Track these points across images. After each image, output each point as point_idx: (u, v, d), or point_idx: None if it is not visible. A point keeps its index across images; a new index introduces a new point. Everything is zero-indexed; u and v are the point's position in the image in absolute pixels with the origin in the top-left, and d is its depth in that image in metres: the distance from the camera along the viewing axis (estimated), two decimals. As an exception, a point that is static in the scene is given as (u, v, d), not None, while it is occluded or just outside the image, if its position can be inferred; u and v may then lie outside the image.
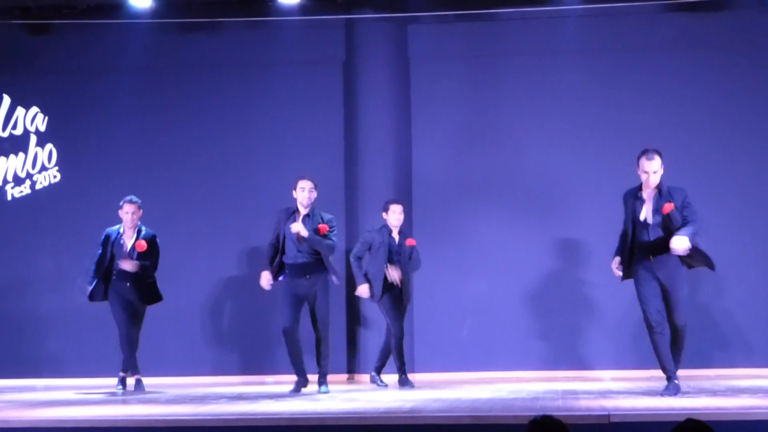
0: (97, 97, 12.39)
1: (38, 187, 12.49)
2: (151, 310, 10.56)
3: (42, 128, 12.54)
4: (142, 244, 10.23)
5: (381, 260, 10.41)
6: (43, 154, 12.51)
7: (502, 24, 12.03)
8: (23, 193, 12.49)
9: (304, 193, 9.72)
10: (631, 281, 8.59)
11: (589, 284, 11.67)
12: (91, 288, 10.31)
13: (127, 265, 10.18)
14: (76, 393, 10.30)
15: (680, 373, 8.69)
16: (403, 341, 10.50)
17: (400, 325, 10.43)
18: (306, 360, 9.80)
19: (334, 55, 12.23)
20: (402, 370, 10.41)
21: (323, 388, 9.66)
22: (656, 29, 11.87)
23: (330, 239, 9.74)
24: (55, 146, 12.50)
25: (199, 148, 12.22)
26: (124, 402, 9.06)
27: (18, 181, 12.51)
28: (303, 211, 9.74)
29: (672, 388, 8.41)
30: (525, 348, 11.67)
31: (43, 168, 12.51)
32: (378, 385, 10.53)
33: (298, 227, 9.58)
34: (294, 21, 12.03)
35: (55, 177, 12.50)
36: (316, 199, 9.85)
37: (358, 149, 12.02)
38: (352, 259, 10.60)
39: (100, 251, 10.34)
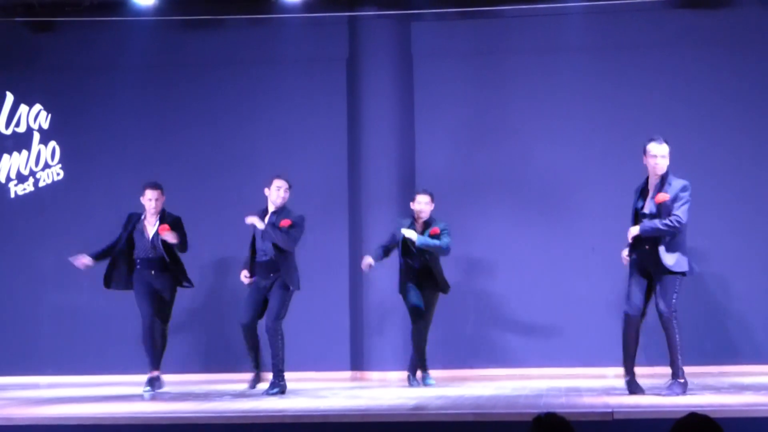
0: (100, 95, 12.39)
1: (41, 184, 12.49)
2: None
3: (45, 126, 12.54)
4: (165, 227, 9.75)
5: (398, 252, 10.23)
6: (46, 152, 12.51)
7: (506, 21, 12.02)
8: (26, 191, 12.50)
9: (279, 192, 9.58)
10: (627, 277, 8.60)
11: (592, 281, 11.66)
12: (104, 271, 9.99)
13: (169, 236, 9.70)
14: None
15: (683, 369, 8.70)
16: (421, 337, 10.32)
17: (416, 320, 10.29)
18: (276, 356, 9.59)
19: (338, 53, 12.22)
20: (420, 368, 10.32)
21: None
22: (660, 26, 11.86)
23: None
24: (58, 143, 12.50)
25: (201, 145, 12.22)
26: (127, 399, 9.06)
27: (21, 178, 12.51)
28: (271, 209, 9.59)
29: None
30: (529, 345, 11.66)
31: (47, 165, 12.51)
32: (426, 385, 10.24)
33: (251, 219, 9.51)
34: (297, 18, 12.03)
35: (58, 174, 12.50)
36: (290, 198, 9.75)
37: (362, 147, 12.02)
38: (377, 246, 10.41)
39: (118, 237, 9.97)
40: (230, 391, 9.66)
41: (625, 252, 8.60)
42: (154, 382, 9.84)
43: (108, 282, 10.05)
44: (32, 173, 12.51)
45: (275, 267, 9.47)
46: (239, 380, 10.79)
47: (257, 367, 9.81)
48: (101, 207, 12.17)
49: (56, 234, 12.30)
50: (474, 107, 12.07)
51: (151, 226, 9.92)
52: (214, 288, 12.11)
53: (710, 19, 11.76)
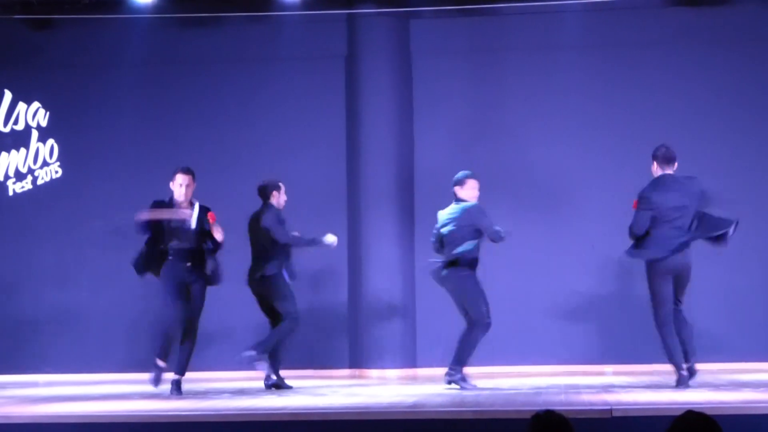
0: (98, 93, 12.38)
1: (40, 182, 12.48)
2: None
3: (43, 123, 12.54)
4: (214, 216, 9.16)
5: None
6: (44, 150, 12.51)
7: (505, 19, 12.01)
8: (24, 189, 12.49)
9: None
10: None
11: (591, 279, 11.66)
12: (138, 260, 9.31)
13: (219, 234, 9.13)
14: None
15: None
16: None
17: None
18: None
19: (336, 50, 12.22)
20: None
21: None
22: (658, 24, 11.87)
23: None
24: (56, 141, 12.50)
25: (200, 143, 12.20)
26: (125, 398, 9.05)
27: (19, 176, 12.51)
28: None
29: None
30: (527, 342, 11.65)
31: (45, 163, 12.50)
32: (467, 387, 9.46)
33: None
34: (296, 16, 12.02)
35: (56, 172, 12.49)
36: (289, 196, 9.84)
37: (360, 144, 12.01)
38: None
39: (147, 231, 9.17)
40: (229, 389, 9.65)
41: None
42: (180, 386, 9.31)
43: (140, 267, 9.35)
44: (30, 171, 12.50)
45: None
46: (239, 378, 10.80)
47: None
48: (100, 205, 12.17)
49: (54, 232, 12.29)
50: (472, 104, 12.06)
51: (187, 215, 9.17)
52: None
53: (707, 17, 11.76)
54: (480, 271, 9.64)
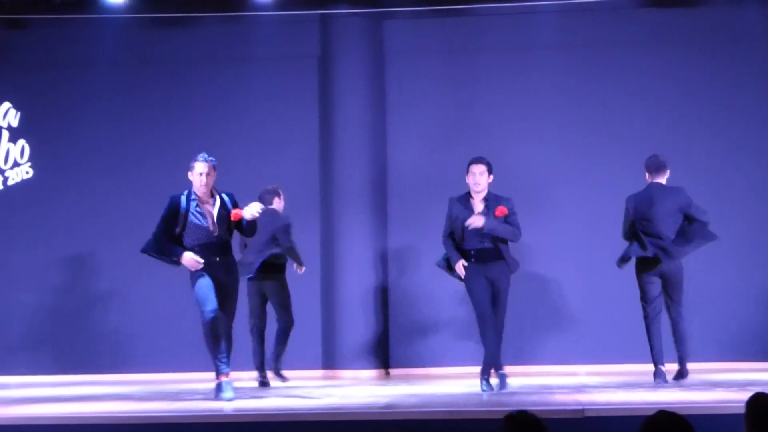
0: (70, 93, 12.32)
1: (10, 183, 12.40)
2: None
3: (15, 124, 12.46)
4: (239, 213, 8.39)
5: (458, 235, 8.90)
6: (15, 150, 12.43)
7: (479, 19, 12.02)
8: (-5, 189, 12.42)
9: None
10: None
11: (564, 279, 11.69)
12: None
13: (252, 210, 8.33)
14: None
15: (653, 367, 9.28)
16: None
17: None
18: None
19: (310, 51, 12.19)
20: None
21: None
22: (631, 25, 11.90)
23: None
24: (28, 142, 12.42)
25: (173, 143, 12.13)
26: (99, 399, 9.00)
27: (-10, 176, 12.44)
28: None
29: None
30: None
31: (16, 164, 12.42)
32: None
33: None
34: (269, 16, 11.99)
35: (27, 173, 12.41)
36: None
37: (334, 145, 11.99)
38: (443, 240, 9.04)
39: (159, 226, 8.47)
40: (201, 391, 9.62)
41: None
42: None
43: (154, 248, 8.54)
44: (1, 172, 12.42)
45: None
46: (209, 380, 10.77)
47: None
48: (71, 206, 12.12)
49: (26, 233, 12.22)
50: (446, 105, 12.06)
51: (210, 207, 8.49)
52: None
53: (681, 17, 11.81)
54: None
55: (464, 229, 8.77)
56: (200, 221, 8.45)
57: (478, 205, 8.86)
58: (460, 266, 8.78)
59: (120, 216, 11.95)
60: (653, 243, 9.21)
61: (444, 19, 12.06)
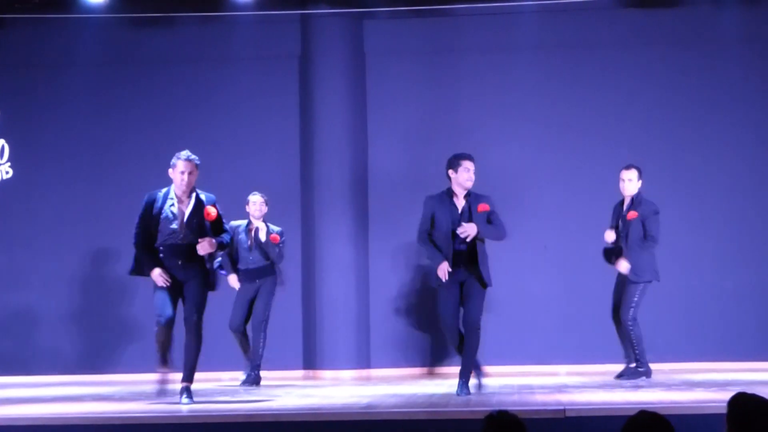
0: (50, 93, 12.27)
1: (-10, 182, 12.36)
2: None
3: (-6, 123, 12.42)
4: (211, 213, 8.14)
5: (441, 236, 8.52)
6: (-6, 150, 12.39)
7: (459, 20, 12.03)
8: (-25, 189, 12.35)
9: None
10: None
11: (544, 280, 11.70)
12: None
13: (205, 248, 8.03)
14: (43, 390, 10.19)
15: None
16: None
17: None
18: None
19: (290, 51, 12.17)
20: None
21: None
22: (612, 25, 11.93)
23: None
24: (7, 142, 12.37)
25: (153, 144, 12.09)
26: (77, 399, 8.96)
27: (-31, 177, 12.38)
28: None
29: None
30: (481, 343, 11.64)
31: (-5, 164, 12.38)
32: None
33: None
34: (249, 16, 11.96)
35: (7, 173, 12.36)
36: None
37: (314, 145, 11.98)
38: (419, 238, 8.73)
39: (138, 225, 8.23)
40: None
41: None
42: (190, 392, 8.24)
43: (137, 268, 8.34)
44: (-20, 171, 12.37)
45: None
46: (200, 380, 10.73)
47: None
48: (51, 206, 12.07)
49: (6, 233, 12.16)
50: (427, 106, 12.06)
51: (183, 206, 8.23)
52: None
53: (662, 17, 11.84)
54: (431, 272, 9.62)
55: (453, 231, 8.41)
56: (171, 221, 8.17)
57: (461, 203, 8.60)
58: (444, 271, 8.37)
59: (100, 216, 11.91)
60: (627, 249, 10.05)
61: (424, 19, 12.06)
